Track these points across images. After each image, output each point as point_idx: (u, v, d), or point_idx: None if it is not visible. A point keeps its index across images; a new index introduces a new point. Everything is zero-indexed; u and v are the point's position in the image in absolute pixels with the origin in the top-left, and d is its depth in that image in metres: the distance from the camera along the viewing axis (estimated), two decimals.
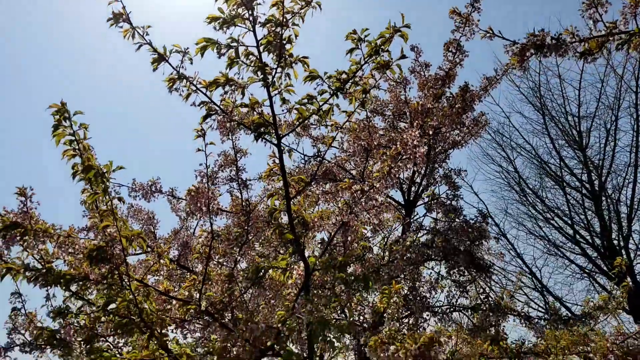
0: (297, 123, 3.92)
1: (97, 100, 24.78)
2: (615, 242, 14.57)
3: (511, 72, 15.71)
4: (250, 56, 3.61)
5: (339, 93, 3.80)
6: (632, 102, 15.03)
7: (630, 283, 13.08)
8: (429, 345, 2.96)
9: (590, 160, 15.38)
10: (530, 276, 14.76)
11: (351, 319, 4.00)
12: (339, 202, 4.08)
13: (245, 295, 4.76)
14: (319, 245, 5.34)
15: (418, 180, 6.75)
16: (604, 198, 14.98)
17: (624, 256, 14.08)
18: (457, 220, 5.78)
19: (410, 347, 3.02)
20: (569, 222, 15.20)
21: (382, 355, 3.20)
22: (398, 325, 5.13)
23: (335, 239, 5.30)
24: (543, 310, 13.16)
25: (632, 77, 14.97)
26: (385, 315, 4.13)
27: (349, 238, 4.43)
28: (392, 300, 3.53)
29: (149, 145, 28.00)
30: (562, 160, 15.65)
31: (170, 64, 3.72)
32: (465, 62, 5.61)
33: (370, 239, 5.98)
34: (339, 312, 4.93)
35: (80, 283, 3.63)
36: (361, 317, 4.68)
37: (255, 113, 3.85)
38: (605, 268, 14.00)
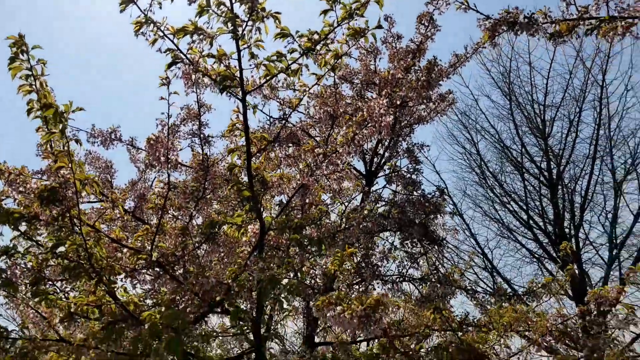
0: (265, 80, 3.87)
1: (58, 42, 23.99)
2: (567, 230, 15.02)
3: (482, 53, 15.80)
4: (222, 6, 3.53)
5: (309, 54, 3.76)
6: (597, 95, 15.36)
7: (576, 269, 13.57)
8: (374, 308, 3.01)
9: (551, 149, 15.71)
10: (481, 256, 15.15)
11: (303, 281, 4.03)
12: (300, 165, 4.08)
13: (198, 251, 4.75)
14: (277, 207, 5.34)
15: (381, 151, 6.79)
16: (560, 187, 15.38)
17: (574, 244, 14.56)
18: (415, 193, 5.85)
19: (357, 308, 3.07)
20: (524, 207, 15.58)
21: (328, 315, 3.25)
22: (348, 290, 5.21)
23: (293, 201, 5.31)
24: (491, 290, 13.54)
25: (600, 71, 15.27)
26: (335, 279, 4.19)
27: (307, 201, 4.44)
28: (343, 265, 3.56)
29: (110, 93, 27.33)
30: (523, 146, 15.94)
31: (138, 6, 3.61)
32: (441, 43, 5.64)
33: (329, 206, 6.01)
34: (292, 274, 4.97)
35: (30, 223, 3.55)
36: (313, 281, 4.73)
37: (222, 65, 3.79)
38: (554, 254, 14.47)
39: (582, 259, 14.69)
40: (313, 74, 3.87)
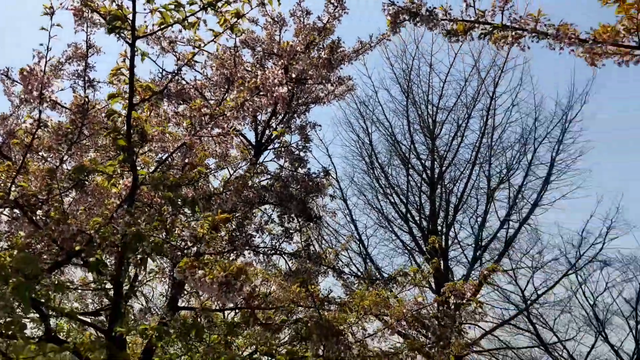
0: (159, 28, 3.68)
1: None
2: (440, 227, 15.90)
3: (388, 47, 16.20)
4: None
5: (209, 8, 3.62)
6: (486, 105, 16.30)
7: (442, 264, 14.40)
8: (236, 275, 2.99)
9: (437, 150, 16.49)
10: (358, 242, 15.67)
11: (171, 242, 3.92)
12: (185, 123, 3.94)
13: (66, 198, 4.47)
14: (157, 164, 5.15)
15: (274, 125, 6.75)
16: (439, 186, 16.21)
17: (443, 241, 15.44)
18: (300, 170, 5.89)
19: (218, 274, 3.03)
20: (405, 200, 16.27)
21: (189, 278, 3.18)
22: (218, 257, 5.16)
23: (175, 159, 5.15)
24: (360, 274, 14.05)
25: (492, 83, 16.19)
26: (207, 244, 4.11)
27: (188, 161, 4.31)
28: (215, 231, 3.50)
29: None
30: (413, 143, 16.60)
31: None
32: (358, 31, 5.63)
33: (213, 171, 5.89)
34: (163, 235, 4.82)
35: None
36: (183, 243, 4.62)
37: (114, 5, 3.55)
38: (425, 248, 15.24)
39: (448, 255, 15.63)
40: (211, 29, 3.74)
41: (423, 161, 16.58)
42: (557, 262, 16.50)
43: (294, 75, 4.61)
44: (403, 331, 5.75)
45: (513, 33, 3.91)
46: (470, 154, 16.38)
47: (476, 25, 3.93)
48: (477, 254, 15.56)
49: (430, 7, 3.99)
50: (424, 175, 16.44)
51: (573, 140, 16.17)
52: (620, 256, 17.03)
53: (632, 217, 29.21)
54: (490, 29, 3.92)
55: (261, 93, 3.74)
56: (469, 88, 16.48)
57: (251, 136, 6.78)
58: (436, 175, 16.29)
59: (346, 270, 13.94)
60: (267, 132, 6.67)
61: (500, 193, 16.38)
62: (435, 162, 16.40)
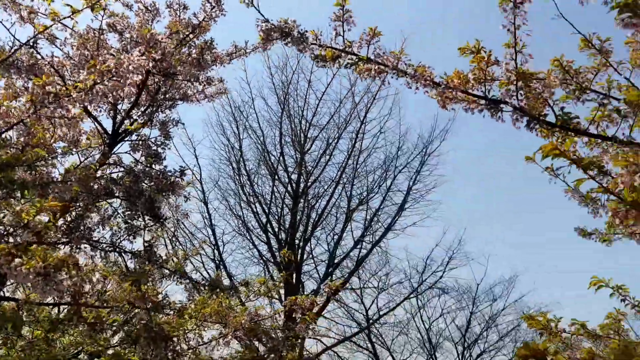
0: None
1: None
2: (297, 241, 16.13)
3: (270, 57, 16.28)
4: None
5: None
6: (356, 129, 16.89)
7: (294, 277, 14.61)
8: (56, 266, 2.78)
9: (305, 165, 16.78)
10: (213, 247, 15.43)
11: None
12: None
13: None
14: None
15: (135, 116, 6.46)
16: (302, 200, 16.48)
17: (299, 255, 15.69)
18: (155, 166, 5.66)
19: (37, 264, 2.81)
20: (267, 210, 16.33)
21: (4, 266, 2.92)
22: (49, 248, 4.79)
23: (15, 138, 4.74)
24: (208, 280, 13.84)
25: (364, 108, 16.83)
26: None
27: (25, 140, 3.98)
28: (39, 216, 3.24)
29: None
30: (282, 155, 16.76)
31: None
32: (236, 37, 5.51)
33: (59, 156, 5.49)
34: None
35: None
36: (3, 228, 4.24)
37: None
38: (279, 260, 15.38)
39: (302, 269, 15.89)
40: (68, 5, 3.50)
41: (290, 174, 16.79)
42: (401, 285, 17.46)
43: (151, 65, 4.42)
44: (244, 341, 5.71)
45: (376, 67, 4.07)
46: (336, 173, 16.87)
47: (343, 54, 4.05)
48: (330, 270, 15.99)
49: (302, 29, 4.06)
50: (289, 188, 16.63)
51: (429, 172, 17.25)
52: (457, 285, 18.41)
53: (472, 250, 31.68)
54: (356, 60, 4.06)
55: (114, 78, 3.55)
56: (343, 110, 17.01)
57: (109, 125, 6.43)
58: (301, 190, 16.55)
59: (196, 275, 13.67)
60: (126, 122, 6.36)
61: (359, 214, 17.03)
62: (302, 177, 16.68)
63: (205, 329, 5.42)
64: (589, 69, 3.74)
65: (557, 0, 3.46)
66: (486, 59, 3.76)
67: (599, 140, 3.67)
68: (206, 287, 5.61)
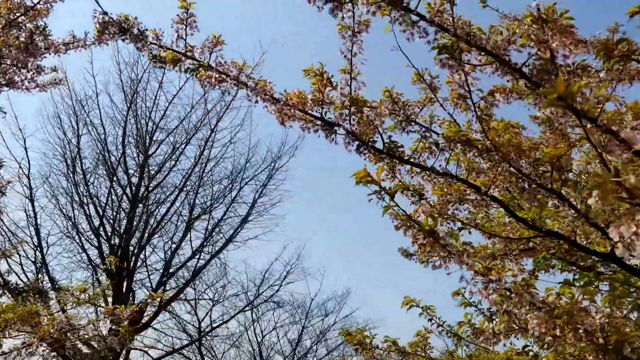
0: None
1: None
2: (132, 247, 15.37)
3: (121, 52, 15.52)
4: None
5: None
6: (205, 136, 16.58)
7: (125, 285, 13.89)
8: None
9: (148, 168, 16.10)
10: (35, 248, 14.18)
11: None
12: None
13: None
14: None
15: None
16: (142, 205, 15.78)
17: (133, 262, 14.96)
18: None
19: None
20: (101, 213, 15.40)
21: None
22: None
23: None
24: (27, 284, 12.70)
25: (216, 116, 16.56)
26: None
27: None
28: None
29: None
30: (124, 155, 15.94)
31: None
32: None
33: None
34: None
35: None
36: None
37: None
38: (108, 267, 14.55)
39: (134, 277, 15.17)
40: None
41: (130, 176, 16.00)
42: (237, 297, 17.36)
43: None
44: (52, 351, 5.29)
45: (217, 75, 4.04)
46: (181, 179, 16.41)
47: (184, 58, 3.97)
48: (164, 279, 15.43)
49: (142, 27, 3.92)
50: (128, 191, 15.85)
51: (276, 186, 17.41)
52: (293, 299, 18.74)
53: (310, 265, 32.60)
54: (197, 65, 4.00)
55: None
56: (194, 115, 16.62)
57: None
58: (141, 194, 15.84)
59: (13, 278, 12.43)
60: None
61: (200, 224, 16.68)
62: (143, 180, 15.97)
63: (6, 336, 4.93)
64: (416, 102, 4.02)
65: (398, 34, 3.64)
66: (325, 82, 3.89)
67: (418, 170, 3.94)
68: (17, 291, 5.11)
